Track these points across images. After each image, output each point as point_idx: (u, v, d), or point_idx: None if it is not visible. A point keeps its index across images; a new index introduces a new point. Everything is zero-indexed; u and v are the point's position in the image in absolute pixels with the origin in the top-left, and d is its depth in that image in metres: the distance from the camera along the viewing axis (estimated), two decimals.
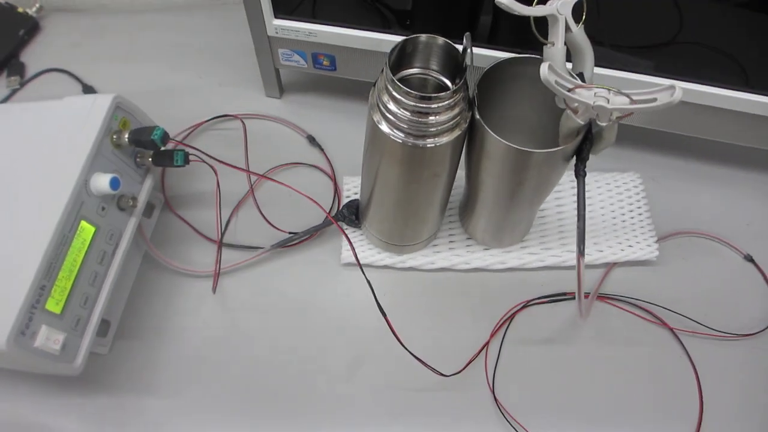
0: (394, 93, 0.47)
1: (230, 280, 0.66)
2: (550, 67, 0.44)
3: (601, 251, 0.66)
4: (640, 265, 0.67)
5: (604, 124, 0.48)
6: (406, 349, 0.55)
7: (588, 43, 0.50)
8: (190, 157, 0.63)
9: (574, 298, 0.65)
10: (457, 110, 0.48)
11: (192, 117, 0.75)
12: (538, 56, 0.51)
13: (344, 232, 0.62)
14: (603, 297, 0.65)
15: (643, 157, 0.75)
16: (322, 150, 0.74)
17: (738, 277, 0.67)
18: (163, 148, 0.61)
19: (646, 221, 0.68)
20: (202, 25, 0.87)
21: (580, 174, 0.52)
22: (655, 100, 0.45)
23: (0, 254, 0.52)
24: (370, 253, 0.66)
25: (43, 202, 0.53)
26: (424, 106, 0.47)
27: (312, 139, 0.74)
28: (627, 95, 0.45)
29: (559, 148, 0.49)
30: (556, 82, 0.45)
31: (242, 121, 0.74)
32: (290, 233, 0.67)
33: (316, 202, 0.63)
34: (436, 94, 0.46)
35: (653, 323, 0.64)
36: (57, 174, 0.55)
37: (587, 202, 0.69)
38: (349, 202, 0.67)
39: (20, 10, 0.85)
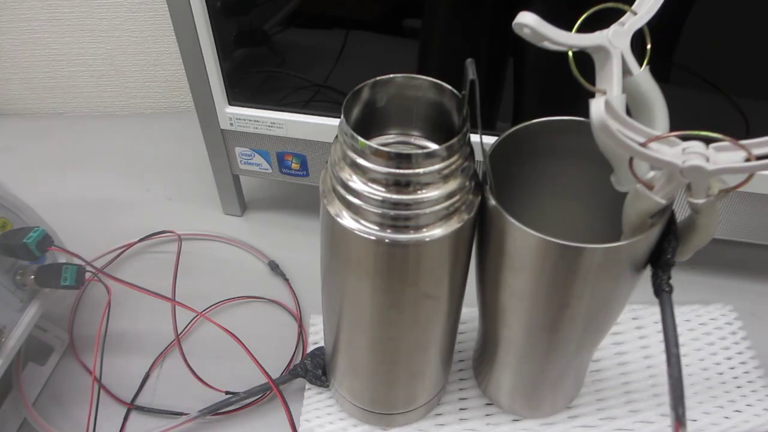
0: (358, 159, 0.29)
1: None
2: (608, 105, 0.27)
3: (709, 414, 0.44)
4: None
5: (699, 201, 0.29)
6: None
7: (657, 91, 0.33)
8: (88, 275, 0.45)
9: None
10: (455, 184, 0.30)
11: (130, 234, 0.58)
12: (579, 117, 0.34)
13: (283, 402, 0.42)
14: None
15: (730, 285, 0.54)
16: (286, 280, 0.55)
17: None
18: (47, 262, 0.44)
19: (755, 372, 0.46)
20: (157, 132, 0.73)
21: (663, 289, 0.32)
22: None
23: None
24: (341, 425, 0.44)
25: None
26: (403, 172, 0.29)
27: (275, 266, 0.56)
28: (742, 146, 0.27)
29: (624, 242, 0.30)
30: (619, 131, 0.27)
31: (180, 239, 0.56)
32: (228, 394, 0.46)
33: (253, 357, 0.44)
34: (420, 151, 0.28)
35: None
36: None
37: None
38: (316, 350, 0.47)
39: None
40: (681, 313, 0.50)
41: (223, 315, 0.53)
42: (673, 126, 0.32)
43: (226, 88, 0.51)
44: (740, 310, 0.51)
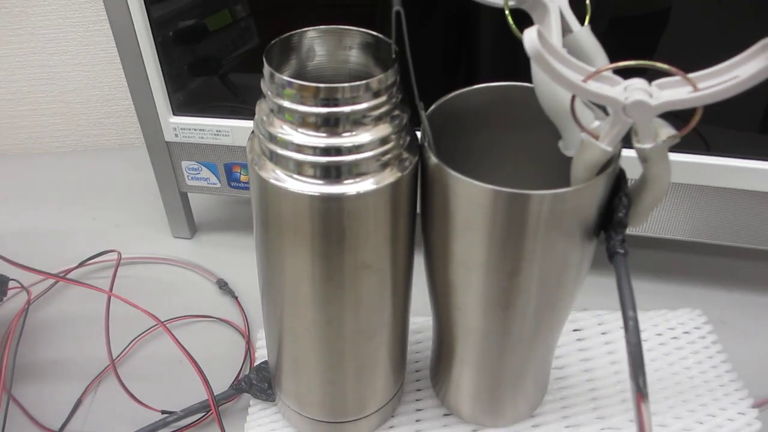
0: (283, 102, 0.28)
1: None
2: (541, 35, 0.25)
3: (681, 419, 0.41)
4: None
5: (647, 146, 0.28)
6: None
7: (598, 47, 0.32)
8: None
9: None
10: (387, 128, 0.28)
11: (71, 262, 0.54)
12: (526, 83, 0.33)
13: (218, 421, 0.38)
14: None
15: (697, 293, 0.52)
16: (235, 297, 0.52)
17: None
18: None
19: (727, 376, 0.43)
20: (107, 165, 0.71)
21: (616, 252, 0.30)
22: (737, 77, 0.25)
23: None
24: None
25: None
26: (330, 109, 0.27)
27: (223, 284, 0.53)
28: (689, 80, 0.26)
29: (571, 188, 0.28)
30: (555, 65, 0.26)
31: (118, 256, 0.53)
32: (164, 413, 0.42)
33: (199, 369, 0.41)
34: (348, 84, 0.27)
35: None
36: None
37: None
38: (262, 363, 0.44)
39: None
40: (648, 318, 0.48)
41: (167, 336, 0.49)
42: None
43: (169, 96, 0.49)
44: (709, 317, 0.49)
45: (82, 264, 0.54)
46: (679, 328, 0.47)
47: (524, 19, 0.32)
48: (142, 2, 0.45)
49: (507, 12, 0.31)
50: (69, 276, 0.53)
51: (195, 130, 0.50)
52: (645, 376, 0.28)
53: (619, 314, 0.47)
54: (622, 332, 0.45)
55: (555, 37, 0.31)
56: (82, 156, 0.74)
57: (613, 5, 0.42)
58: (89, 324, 0.49)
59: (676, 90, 0.26)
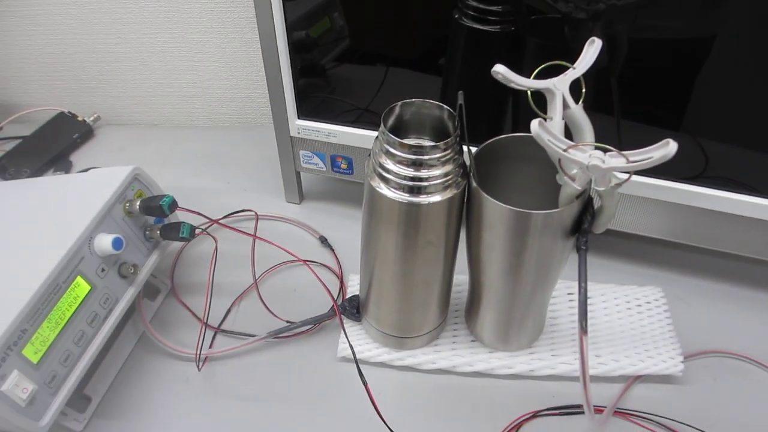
0: (390, 148, 0.48)
1: (222, 366, 0.63)
2: (541, 124, 0.45)
3: (618, 361, 0.60)
4: (665, 383, 0.61)
5: (601, 188, 0.47)
6: None
7: (587, 120, 0.51)
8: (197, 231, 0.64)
9: None
10: (450, 167, 0.49)
11: (215, 214, 0.77)
12: None
13: (342, 323, 0.60)
14: (623, 413, 0.58)
15: (667, 277, 0.71)
16: (332, 250, 0.74)
17: None
18: (172, 221, 0.63)
19: (669, 335, 0.63)
20: (234, 141, 0.94)
21: (581, 248, 0.50)
22: (651, 157, 0.44)
23: None
24: (367, 347, 0.62)
25: (45, 250, 0.54)
26: (417, 157, 0.47)
27: (324, 240, 0.75)
28: (624, 155, 0.45)
29: (556, 210, 0.48)
30: (549, 141, 0.46)
31: (256, 214, 0.76)
32: (288, 322, 0.65)
33: (325, 285, 0.62)
34: (429, 144, 0.47)
35: None
36: (64, 228, 0.56)
37: (603, 312, 0.66)
38: (352, 296, 0.65)
39: (80, 118, 0.95)
40: (621, 290, 0.67)
41: (287, 271, 0.72)
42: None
43: (296, 106, 0.70)
44: (670, 295, 0.68)
45: (227, 216, 0.77)
46: (642, 299, 0.66)
47: (541, 97, 0.51)
48: (285, 33, 0.65)
49: (529, 94, 0.51)
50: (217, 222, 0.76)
51: (312, 130, 0.71)
52: (586, 320, 0.48)
53: (598, 285, 0.68)
54: (599, 297, 0.65)
55: (558, 111, 0.51)
56: (213, 131, 0.97)
57: None
58: (235, 257, 0.71)
59: (618, 159, 0.45)
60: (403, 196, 0.49)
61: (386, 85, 0.67)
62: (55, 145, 0.90)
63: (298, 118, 0.71)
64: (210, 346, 0.65)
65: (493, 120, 0.66)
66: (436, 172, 0.48)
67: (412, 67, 0.66)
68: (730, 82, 0.56)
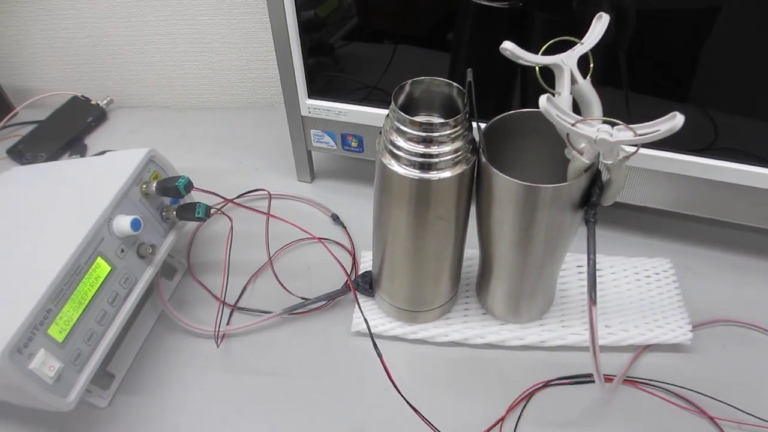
0: (400, 126, 0.49)
1: (239, 342, 0.65)
2: (549, 99, 0.45)
3: (627, 331, 0.61)
4: (674, 352, 0.62)
5: (608, 162, 0.48)
6: (412, 407, 0.52)
7: (595, 94, 0.51)
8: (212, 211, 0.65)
9: None
10: (459, 143, 0.49)
11: (229, 193, 0.79)
12: None
13: (356, 297, 0.62)
14: (633, 381, 0.60)
15: (675, 248, 0.72)
16: (344, 227, 0.75)
17: None
18: (187, 202, 0.64)
19: (678, 305, 0.64)
20: (245, 121, 0.95)
21: (590, 221, 0.51)
22: (658, 130, 0.45)
23: (17, 271, 0.54)
24: (380, 321, 0.64)
25: (66, 233, 0.56)
26: (427, 134, 0.48)
27: (336, 218, 0.76)
28: (631, 129, 0.46)
29: (565, 183, 0.49)
30: (557, 115, 0.46)
31: (269, 193, 0.77)
32: (302, 299, 0.66)
33: (339, 261, 0.64)
34: (439, 121, 0.48)
35: (691, 411, 0.57)
36: (84, 210, 0.58)
37: (613, 283, 0.67)
38: (365, 272, 0.67)
39: (93, 102, 0.96)
40: (630, 262, 0.68)
41: (300, 248, 0.73)
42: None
43: (307, 85, 0.71)
44: (678, 265, 0.69)
45: (241, 195, 0.78)
46: (651, 270, 0.67)
47: (550, 72, 0.51)
48: (294, 13, 0.65)
49: (537, 70, 0.51)
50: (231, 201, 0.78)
51: (322, 109, 0.72)
52: (596, 292, 0.49)
53: (607, 258, 0.69)
54: (608, 269, 0.66)
55: (566, 86, 0.51)
56: (225, 112, 0.98)
57: None
58: (249, 236, 0.73)
59: (625, 133, 0.46)
60: (414, 173, 0.50)
61: (395, 62, 0.67)
62: (69, 129, 0.92)
63: (309, 97, 0.72)
64: (227, 323, 0.66)
65: (502, 96, 0.66)
66: (446, 148, 0.49)
67: (420, 44, 0.66)
68: (738, 52, 0.57)
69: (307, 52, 0.68)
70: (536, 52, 0.50)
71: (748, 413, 0.57)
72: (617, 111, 0.61)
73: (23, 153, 0.88)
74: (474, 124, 0.51)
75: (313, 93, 0.72)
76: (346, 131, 0.74)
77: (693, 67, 0.59)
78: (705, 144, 0.62)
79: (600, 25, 0.50)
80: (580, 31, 0.51)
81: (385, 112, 0.64)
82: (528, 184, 0.49)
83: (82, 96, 0.96)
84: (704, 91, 0.60)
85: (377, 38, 0.67)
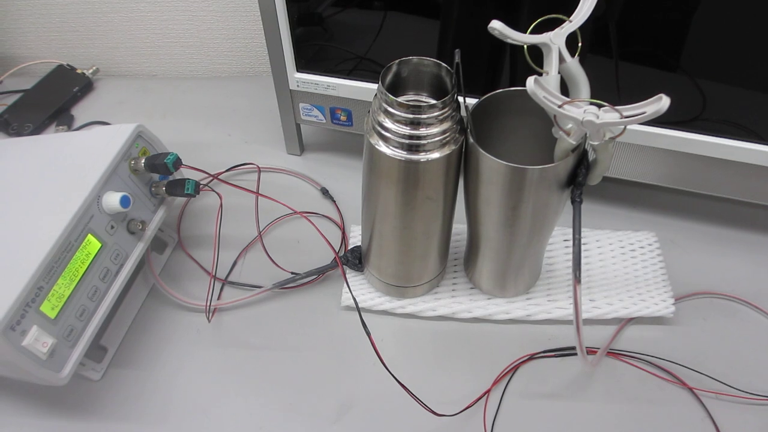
0: (388, 107, 0.49)
1: (230, 316, 0.66)
2: (536, 81, 0.45)
3: (611, 305, 0.63)
4: (657, 324, 0.63)
5: (595, 143, 0.48)
6: (399, 381, 0.53)
7: (583, 73, 0.51)
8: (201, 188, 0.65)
9: None
10: (447, 125, 0.49)
11: (218, 167, 0.78)
12: None
13: (344, 274, 0.62)
14: (615, 353, 0.61)
15: (660, 221, 0.73)
16: (333, 201, 0.75)
17: (764, 338, 0.62)
18: (176, 177, 0.64)
19: (661, 278, 0.65)
20: (233, 91, 0.94)
21: (575, 200, 0.52)
22: (644, 112, 0.45)
23: (7, 249, 0.54)
24: (369, 296, 0.65)
25: (55, 210, 0.56)
26: (414, 116, 0.48)
27: (325, 192, 0.76)
28: (617, 110, 0.46)
29: (551, 164, 0.49)
30: (545, 97, 0.46)
31: (258, 168, 0.77)
32: (293, 273, 0.67)
33: (325, 238, 0.64)
34: (427, 103, 0.48)
35: (671, 383, 0.59)
36: (73, 187, 0.57)
37: (598, 257, 0.68)
38: (354, 247, 0.67)
39: (78, 71, 0.94)
40: (616, 235, 0.69)
41: (290, 223, 0.74)
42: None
43: (295, 58, 0.70)
44: (663, 239, 0.70)
45: (230, 169, 0.78)
46: (636, 244, 0.68)
47: (538, 51, 0.51)
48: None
49: (525, 49, 0.51)
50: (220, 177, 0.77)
51: (311, 83, 0.72)
52: (580, 270, 0.50)
53: (594, 231, 0.70)
54: (594, 243, 0.67)
55: (554, 65, 0.51)
56: (212, 82, 0.97)
57: None
58: (239, 211, 0.73)
59: (612, 114, 0.46)
60: (402, 154, 0.50)
61: (384, 31, 0.67)
62: (55, 98, 0.90)
63: (297, 71, 0.71)
64: (218, 298, 0.67)
65: (491, 73, 0.66)
66: (434, 130, 0.49)
67: (410, 11, 0.65)
68: (728, 19, 0.56)
69: (295, 21, 0.67)
70: (525, 31, 0.49)
71: (726, 384, 0.59)
72: (606, 81, 0.61)
73: (9, 123, 0.87)
74: (462, 106, 0.51)
75: (301, 66, 0.71)
76: (335, 105, 0.73)
77: (682, 35, 0.59)
78: (694, 114, 0.62)
79: (588, 2, 0.50)
80: (569, 10, 0.50)
81: (374, 86, 0.64)
82: (515, 165, 0.49)
83: (68, 65, 0.94)
84: (694, 58, 0.59)
85: (366, 4, 0.66)
